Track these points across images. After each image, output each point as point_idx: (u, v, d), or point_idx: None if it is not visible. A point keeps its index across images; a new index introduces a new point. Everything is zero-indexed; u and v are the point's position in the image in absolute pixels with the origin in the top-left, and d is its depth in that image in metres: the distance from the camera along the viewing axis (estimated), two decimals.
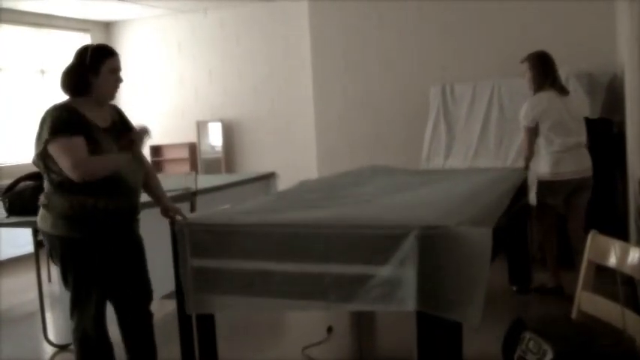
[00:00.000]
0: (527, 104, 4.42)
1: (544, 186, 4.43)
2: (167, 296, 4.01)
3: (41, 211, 2.89)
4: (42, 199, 2.89)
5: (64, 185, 2.78)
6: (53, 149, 2.75)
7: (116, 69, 2.96)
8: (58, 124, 2.76)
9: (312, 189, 3.72)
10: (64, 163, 2.72)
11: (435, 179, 4.07)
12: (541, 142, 4.40)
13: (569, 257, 4.47)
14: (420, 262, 2.32)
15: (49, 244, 2.93)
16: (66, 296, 3.75)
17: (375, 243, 2.42)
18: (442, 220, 2.42)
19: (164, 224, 2.96)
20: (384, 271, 2.38)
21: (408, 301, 2.33)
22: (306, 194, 3.53)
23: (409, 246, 2.33)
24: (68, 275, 2.90)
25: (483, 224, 2.39)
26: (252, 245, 2.69)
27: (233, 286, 2.71)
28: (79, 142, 2.76)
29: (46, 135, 2.76)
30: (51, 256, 2.96)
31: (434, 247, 2.31)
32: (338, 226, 2.57)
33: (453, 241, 2.30)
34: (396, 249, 2.35)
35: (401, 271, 2.35)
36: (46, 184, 2.88)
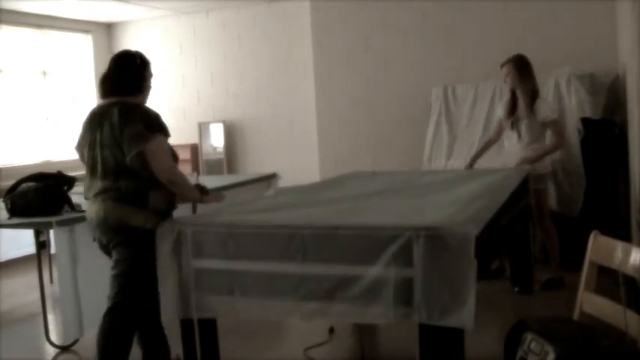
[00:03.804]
0: (544, 101, 4.79)
1: (551, 174, 4.88)
2: None
3: (129, 208, 2.96)
4: (133, 196, 2.97)
5: (159, 181, 2.99)
6: (155, 146, 2.95)
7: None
8: (157, 121, 3.02)
9: (294, 196, 3.73)
10: (165, 162, 2.99)
11: (428, 181, 4.09)
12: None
13: (573, 258, 4.46)
14: (409, 267, 2.34)
15: (138, 238, 2.97)
16: (67, 297, 3.79)
17: (373, 245, 2.42)
18: (431, 222, 2.44)
19: None
20: (374, 273, 2.40)
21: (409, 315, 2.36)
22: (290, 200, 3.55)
23: (399, 250, 2.35)
24: (150, 265, 2.92)
25: (472, 225, 2.39)
26: (251, 246, 2.70)
27: (231, 287, 2.71)
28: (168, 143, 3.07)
29: (147, 132, 2.93)
30: (140, 251, 2.96)
31: (422, 250, 2.31)
32: (336, 227, 2.57)
33: (437, 244, 2.31)
34: (388, 252, 2.37)
35: (390, 279, 2.37)
36: (135, 182, 2.97)
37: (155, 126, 2.98)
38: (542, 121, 4.65)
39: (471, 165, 5.02)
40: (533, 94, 4.68)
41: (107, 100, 3.10)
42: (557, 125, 4.72)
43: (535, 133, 4.69)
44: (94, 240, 3.19)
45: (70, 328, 3.85)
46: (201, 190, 3.23)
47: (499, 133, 4.98)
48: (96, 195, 3.04)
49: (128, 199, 2.96)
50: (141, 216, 2.96)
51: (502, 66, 4.78)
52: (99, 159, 3.02)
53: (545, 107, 4.68)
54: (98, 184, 3.03)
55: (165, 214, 3.03)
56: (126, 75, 3.11)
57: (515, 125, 4.74)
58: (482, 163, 5.58)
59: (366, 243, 2.44)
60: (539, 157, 4.65)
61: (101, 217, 3.00)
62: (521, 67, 4.70)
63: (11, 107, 7.74)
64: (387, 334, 4.00)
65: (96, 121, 3.06)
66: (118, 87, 3.08)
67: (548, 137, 4.81)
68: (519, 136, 4.72)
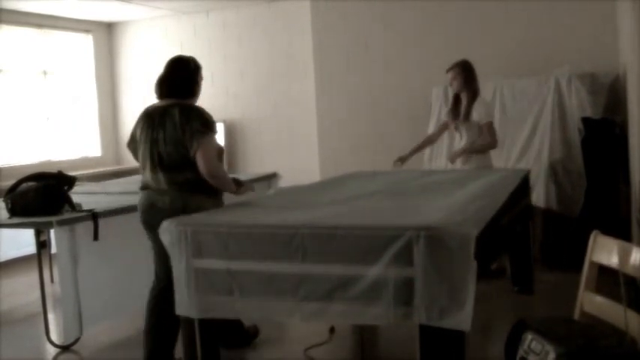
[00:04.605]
0: (483, 104, 4.93)
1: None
2: None
3: (202, 196, 3.34)
4: (203, 186, 3.33)
5: None
6: (206, 144, 3.29)
7: None
8: (212, 122, 3.38)
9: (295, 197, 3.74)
10: (212, 160, 3.31)
11: (429, 181, 4.09)
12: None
13: (573, 258, 4.46)
14: (409, 267, 2.34)
15: None
16: (68, 296, 3.79)
17: (371, 244, 2.43)
18: (431, 222, 2.44)
19: None
20: (374, 274, 2.40)
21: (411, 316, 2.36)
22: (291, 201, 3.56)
23: (399, 250, 2.35)
24: None
25: (472, 226, 2.39)
26: (251, 246, 2.70)
27: (231, 287, 2.71)
28: None
29: (203, 129, 3.28)
30: None
31: (422, 250, 2.31)
32: (335, 227, 2.58)
33: (437, 244, 2.31)
34: (388, 252, 2.37)
35: (390, 279, 2.37)
36: (194, 175, 3.30)
37: (209, 126, 3.35)
38: (477, 123, 4.83)
39: (401, 161, 5.12)
40: (472, 97, 4.86)
41: (164, 102, 3.43)
42: (489, 128, 4.87)
43: (474, 133, 4.86)
44: (91, 237, 3.19)
45: (70, 327, 3.86)
46: (237, 182, 3.56)
47: (439, 134, 5.21)
48: (171, 186, 3.33)
49: (201, 189, 3.33)
50: (210, 202, 3.36)
51: (448, 71, 4.93)
52: (165, 154, 3.33)
53: (481, 109, 4.84)
54: (166, 177, 3.34)
55: (222, 196, 3.50)
56: (180, 79, 3.46)
57: (457, 127, 4.96)
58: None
59: (366, 243, 2.44)
60: (464, 152, 4.86)
61: (179, 207, 3.26)
62: (467, 71, 4.89)
63: (12, 107, 7.73)
64: (387, 334, 4.00)
65: (156, 121, 3.37)
66: (173, 90, 3.43)
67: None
68: (460, 136, 4.95)
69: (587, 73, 5.52)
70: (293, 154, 7.96)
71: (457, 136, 5.02)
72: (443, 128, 5.23)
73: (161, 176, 3.35)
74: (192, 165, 3.30)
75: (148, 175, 3.42)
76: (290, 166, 7.34)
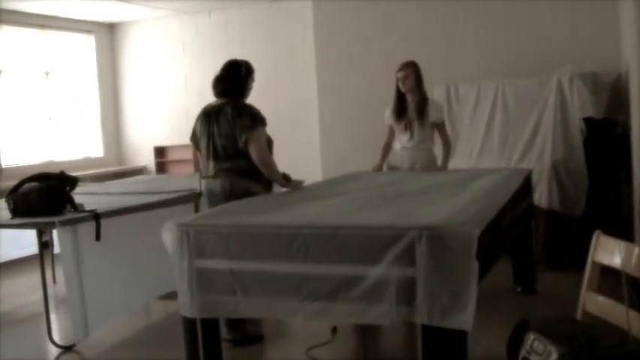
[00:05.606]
0: (439, 104, 5.25)
1: None
2: (167, 296, 4.02)
3: (250, 181, 3.85)
4: (251, 172, 3.84)
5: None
6: (256, 135, 3.80)
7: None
8: (259, 116, 3.87)
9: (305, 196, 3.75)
10: (262, 149, 3.82)
11: (430, 181, 4.09)
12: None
13: (575, 259, 4.45)
14: (412, 267, 2.35)
15: None
16: (73, 297, 3.79)
17: (373, 244, 2.43)
18: (433, 222, 2.44)
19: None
20: (376, 273, 2.41)
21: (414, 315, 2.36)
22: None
23: (402, 250, 2.36)
24: None
25: (474, 226, 2.39)
26: (253, 246, 2.70)
27: (234, 287, 2.71)
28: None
29: (253, 124, 3.78)
30: None
31: (424, 250, 2.31)
32: (337, 227, 2.58)
33: (439, 244, 2.31)
34: (391, 252, 2.37)
35: (392, 279, 2.37)
36: (251, 162, 3.82)
37: (258, 120, 3.84)
38: (432, 122, 4.92)
39: (380, 168, 5.15)
40: (423, 98, 4.93)
41: (219, 101, 3.96)
42: (445, 126, 5.09)
43: (426, 133, 4.95)
44: (94, 238, 3.21)
45: (78, 328, 3.86)
46: (286, 178, 3.98)
47: (392, 137, 5.18)
48: (219, 173, 3.87)
49: (248, 175, 3.84)
50: (258, 186, 3.87)
51: (400, 70, 4.95)
52: (220, 146, 3.86)
53: (436, 109, 4.96)
54: (221, 165, 3.87)
55: (270, 183, 3.96)
56: (232, 82, 3.95)
57: (407, 126, 4.96)
58: (484, 164, 5.61)
59: (368, 243, 2.44)
60: (448, 163, 5.02)
61: (227, 189, 3.82)
62: (418, 72, 4.95)
63: (14, 107, 7.75)
64: (389, 334, 4.00)
65: (212, 117, 3.90)
66: (226, 91, 3.94)
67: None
68: (412, 136, 4.95)
69: (589, 72, 5.51)
70: (295, 154, 7.95)
71: (406, 135, 4.96)
72: (392, 131, 5.13)
73: (213, 164, 3.90)
74: (243, 154, 3.80)
75: (206, 164, 3.96)
76: (291, 166, 7.31)
